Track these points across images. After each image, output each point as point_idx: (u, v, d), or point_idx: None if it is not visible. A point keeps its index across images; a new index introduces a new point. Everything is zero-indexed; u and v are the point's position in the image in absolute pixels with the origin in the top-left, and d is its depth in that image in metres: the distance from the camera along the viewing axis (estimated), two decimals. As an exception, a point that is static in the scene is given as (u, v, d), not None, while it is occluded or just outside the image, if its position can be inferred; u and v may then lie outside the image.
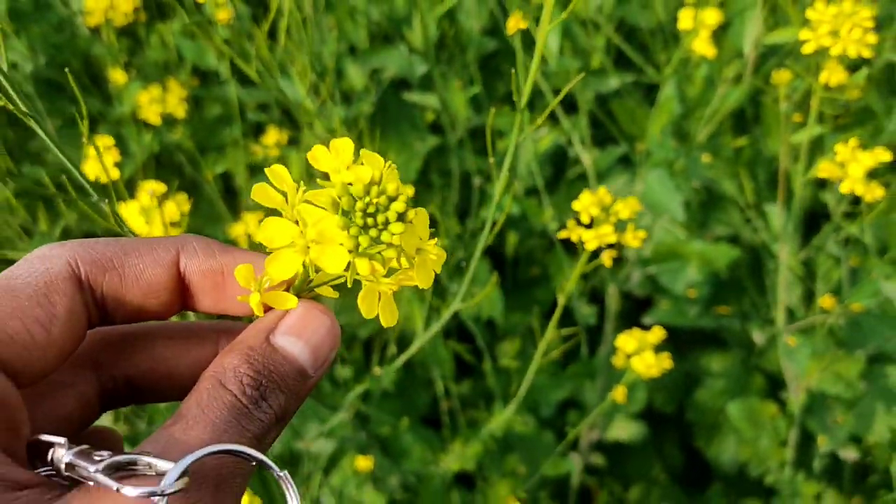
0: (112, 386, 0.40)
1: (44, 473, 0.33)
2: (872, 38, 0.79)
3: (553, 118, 1.59)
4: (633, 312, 1.66)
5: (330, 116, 1.32)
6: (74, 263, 0.36)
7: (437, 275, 0.39)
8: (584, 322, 1.55)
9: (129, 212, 0.85)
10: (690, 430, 1.72)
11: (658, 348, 0.95)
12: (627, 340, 0.96)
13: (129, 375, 0.40)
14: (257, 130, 1.62)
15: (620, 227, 0.73)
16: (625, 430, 1.67)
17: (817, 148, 1.16)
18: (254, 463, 0.33)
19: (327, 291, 0.40)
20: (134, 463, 0.31)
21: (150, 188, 0.77)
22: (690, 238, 1.44)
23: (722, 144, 1.37)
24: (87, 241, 0.38)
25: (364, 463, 1.20)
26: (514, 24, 0.90)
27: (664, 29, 1.49)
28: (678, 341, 1.86)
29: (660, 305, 1.55)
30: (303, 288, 0.39)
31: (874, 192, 0.83)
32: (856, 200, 1.13)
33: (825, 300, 1.12)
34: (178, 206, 0.83)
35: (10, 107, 0.44)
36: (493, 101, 1.62)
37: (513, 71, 0.61)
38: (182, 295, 0.39)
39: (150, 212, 0.81)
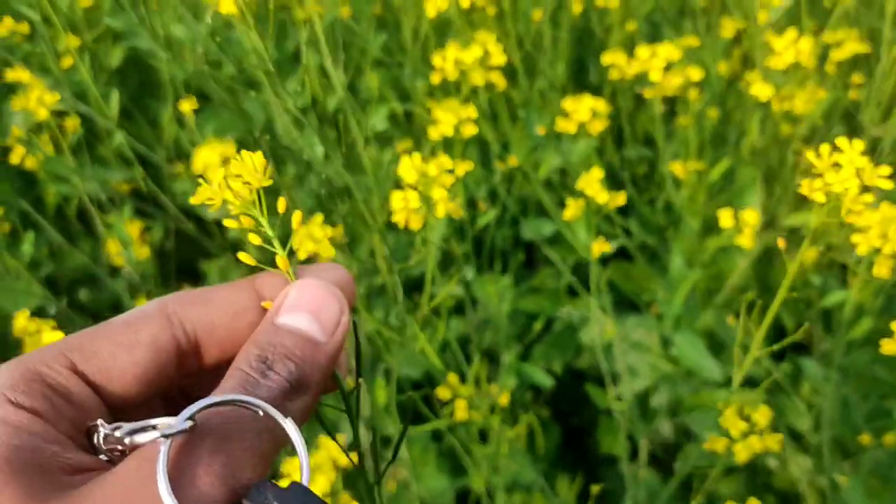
0: None
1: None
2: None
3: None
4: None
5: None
6: (163, 303, 0.41)
7: None
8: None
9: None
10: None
11: None
12: None
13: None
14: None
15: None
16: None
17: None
18: (265, 420, 0.36)
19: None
20: (155, 427, 0.34)
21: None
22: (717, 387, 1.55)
23: (736, 301, 1.51)
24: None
25: None
26: (598, 248, 1.01)
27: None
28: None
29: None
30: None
31: None
32: None
33: (864, 437, 1.23)
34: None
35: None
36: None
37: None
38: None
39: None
